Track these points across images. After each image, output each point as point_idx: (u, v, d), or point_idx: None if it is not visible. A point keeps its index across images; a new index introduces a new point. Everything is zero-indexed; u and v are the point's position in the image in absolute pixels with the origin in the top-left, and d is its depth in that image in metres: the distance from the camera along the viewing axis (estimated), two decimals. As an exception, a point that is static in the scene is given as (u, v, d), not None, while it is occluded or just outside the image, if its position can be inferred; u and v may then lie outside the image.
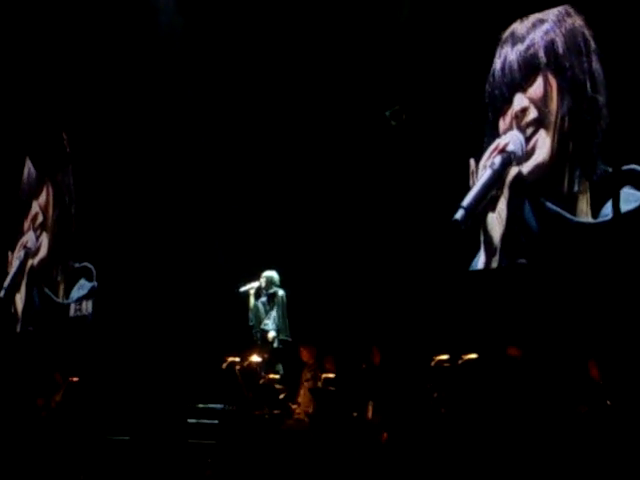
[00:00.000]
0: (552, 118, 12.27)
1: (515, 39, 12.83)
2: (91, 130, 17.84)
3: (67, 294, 18.47)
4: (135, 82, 16.44)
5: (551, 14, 12.45)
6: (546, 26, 12.46)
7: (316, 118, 14.44)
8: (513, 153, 12.71)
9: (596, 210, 11.71)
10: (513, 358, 10.61)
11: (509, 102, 12.82)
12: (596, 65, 11.84)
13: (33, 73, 18.17)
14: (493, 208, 12.92)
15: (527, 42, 12.66)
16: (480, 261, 12.95)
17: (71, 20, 16.96)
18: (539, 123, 12.44)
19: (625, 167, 11.28)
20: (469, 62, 13.09)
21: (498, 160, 12.86)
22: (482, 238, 12.98)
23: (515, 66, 12.80)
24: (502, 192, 12.82)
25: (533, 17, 12.65)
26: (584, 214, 11.85)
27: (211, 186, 15.57)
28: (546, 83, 12.40)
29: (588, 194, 11.81)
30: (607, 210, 11.47)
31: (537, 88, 12.51)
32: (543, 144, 12.37)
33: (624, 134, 11.44)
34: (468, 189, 13.06)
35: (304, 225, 14.45)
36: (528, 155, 12.53)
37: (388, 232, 13.55)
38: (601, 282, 11.30)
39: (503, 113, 12.90)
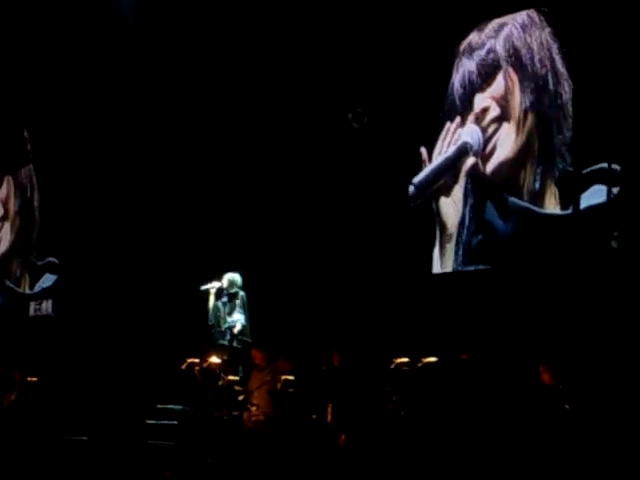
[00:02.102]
0: (514, 113, 12.17)
1: (473, 47, 12.76)
2: (53, 125, 17.72)
3: (31, 287, 18.38)
4: (97, 77, 16.33)
5: (511, 18, 12.39)
6: (506, 30, 12.39)
7: (278, 121, 14.40)
8: (469, 144, 12.70)
9: (565, 204, 11.57)
10: (469, 362, 10.63)
11: (469, 107, 12.79)
12: (559, 62, 11.72)
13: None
14: (447, 193, 12.95)
15: (487, 47, 12.59)
16: (436, 250, 12.98)
17: (31, 17, 16.81)
18: (501, 120, 12.35)
19: (594, 167, 11.16)
20: (431, 66, 13.05)
21: (452, 149, 12.90)
22: (436, 222, 13.03)
23: (474, 72, 12.74)
24: (457, 180, 12.85)
25: (493, 24, 12.57)
26: (552, 209, 11.75)
27: (174, 186, 15.50)
28: (507, 79, 12.31)
29: (555, 190, 11.72)
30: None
31: (498, 85, 12.43)
32: (505, 140, 12.27)
33: (591, 132, 11.33)
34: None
35: (263, 226, 14.41)
36: (489, 154, 12.45)
37: (348, 234, 13.56)
38: (569, 279, 11.29)
39: (463, 120, 12.86)
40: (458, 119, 12.91)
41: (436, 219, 13.04)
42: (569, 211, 11.46)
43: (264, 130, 14.58)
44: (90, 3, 15.91)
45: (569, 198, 11.46)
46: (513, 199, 12.10)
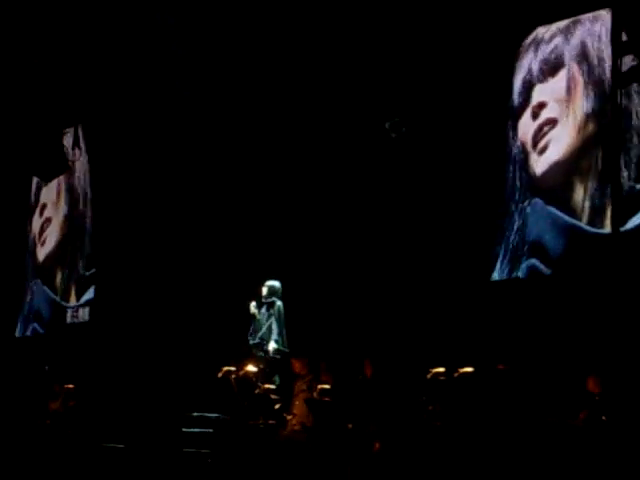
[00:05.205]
0: (574, 114, 11.85)
1: (539, 41, 12.40)
2: (106, 131, 17.83)
3: (78, 299, 18.46)
4: (137, 85, 16.44)
5: (587, 20, 11.93)
6: (579, 31, 11.96)
7: (317, 130, 14.44)
8: None
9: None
10: (506, 372, 10.58)
11: (527, 101, 12.54)
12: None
13: (39, 76, 18.14)
14: None
15: (554, 42, 12.19)
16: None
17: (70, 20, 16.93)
18: (558, 118, 12.05)
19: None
20: (470, 75, 13.03)
21: None
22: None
23: (537, 66, 12.41)
24: None
25: (564, 21, 12.20)
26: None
27: (215, 198, 15.57)
28: (570, 76, 11.96)
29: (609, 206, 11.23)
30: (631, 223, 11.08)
31: (559, 83, 12.12)
32: (560, 140, 12.00)
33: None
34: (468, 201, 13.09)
35: (301, 236, 14.44)
36: (541, 151, 12.21)
37: (383, 244, 13.57)
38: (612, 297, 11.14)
39: (520, 114, 12.63)
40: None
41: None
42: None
43: (304, 139, 14.63)
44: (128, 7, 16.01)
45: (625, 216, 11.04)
46: (561, 214, 11.90)
